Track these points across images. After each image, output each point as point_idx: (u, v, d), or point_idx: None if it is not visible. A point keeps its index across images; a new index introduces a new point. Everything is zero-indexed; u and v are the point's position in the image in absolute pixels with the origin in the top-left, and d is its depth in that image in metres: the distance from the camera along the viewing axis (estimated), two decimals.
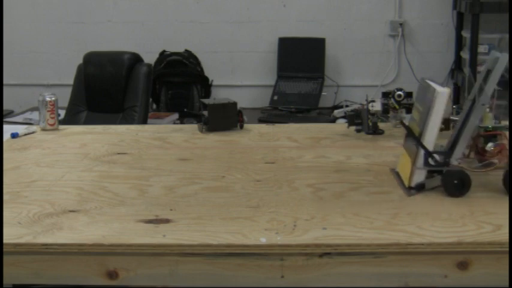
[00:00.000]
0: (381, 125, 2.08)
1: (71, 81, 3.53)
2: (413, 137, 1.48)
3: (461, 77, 3.96)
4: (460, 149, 1.49)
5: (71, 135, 2.17)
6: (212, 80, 4.21)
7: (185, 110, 3.93)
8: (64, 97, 3.30)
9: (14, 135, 2.13)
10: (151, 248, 1.23)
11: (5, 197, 1.51)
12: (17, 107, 4.25)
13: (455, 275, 1.23)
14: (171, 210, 1.40)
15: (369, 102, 2.03)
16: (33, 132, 2.20)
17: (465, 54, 3.97)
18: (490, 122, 1.56)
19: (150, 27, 4.32)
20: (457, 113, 2.09)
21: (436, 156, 1.46)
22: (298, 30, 4.22)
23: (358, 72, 4.28)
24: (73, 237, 1.27)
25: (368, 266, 1.23)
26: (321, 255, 1.23)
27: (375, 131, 2.05)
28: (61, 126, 2.28)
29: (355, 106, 2.08)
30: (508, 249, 1.21)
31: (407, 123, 1.60)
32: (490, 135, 1.52)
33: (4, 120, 3.79)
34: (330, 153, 1.87)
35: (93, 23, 4.35)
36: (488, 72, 1.48)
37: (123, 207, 1.44)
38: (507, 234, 1.24)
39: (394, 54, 4.26)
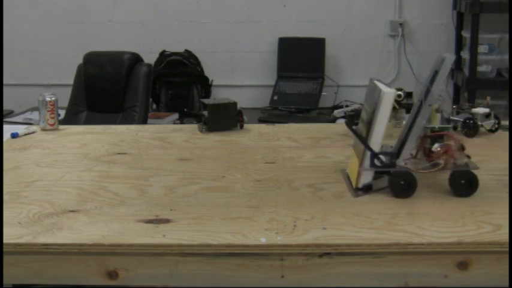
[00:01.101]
0: None
1: (71, 81, 3.53)
2: (359, 138, 1.47)
3: (461, 77, 3.96)
4: (408, 149, 1.48)
5: (71, 135, 2.17)
6: (212, 80, 4.21)
7: (185, 110, 3.93)
8: (64, 97, 3.30)
9: (14, 135, 2.13)
10: (151, 248, 1.23)
11: (5, 197, 1.51)
12: (17, 107, 4.25)
13: (455, 275, 1.23)
14: (171, 210, 1.40)
15: None
16: (33, 132, 2.20)
17: (465, 54, 3.97)
18: (437, 123, 1.55)
19: (150, 27, 4.32)
20: (457, 113, 2.09)
21: (382, 157, 1.45)
22: (298, 30, 4.22)
23: (358, 72, 4.28)
24: (73, 237, 1.27)
25: (368, 266, 1.23)
26: (321, 255, 1.23)
27: None
28: (61, 126, 2.28)
29: (355, 106, 2.08)
30: (508, 249, 1.21)
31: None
32: (437, 135, 1.52)
33: (4, 120, 3.79)
34: (330, 153, 1.87)
35: (93, 23, 4.35)
36: (435, 73, 1.48)
37: (123, 207, 1.44)
38: (507, 234, 1.24)
39: (394, 54, 4.26)
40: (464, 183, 1.46)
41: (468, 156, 1.51)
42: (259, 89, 4.30)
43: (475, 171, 1.47)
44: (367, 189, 1.49)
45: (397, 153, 1.49)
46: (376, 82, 1.54)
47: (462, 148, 1.49)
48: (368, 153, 1.46)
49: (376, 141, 1.46)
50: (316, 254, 1.23)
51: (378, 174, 1.50)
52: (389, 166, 1.46)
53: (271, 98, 4.12)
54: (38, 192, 1.55)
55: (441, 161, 1.47)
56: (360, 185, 1.49)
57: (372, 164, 1.46)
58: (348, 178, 1.58)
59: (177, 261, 1.24)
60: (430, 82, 1.49)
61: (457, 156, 1.48)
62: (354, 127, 1.54)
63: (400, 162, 1.47)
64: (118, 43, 4.15)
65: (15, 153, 1.93)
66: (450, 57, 1.46)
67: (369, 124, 1.48)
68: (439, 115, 1.56)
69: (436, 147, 1.49)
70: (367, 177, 1.49)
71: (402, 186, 1.45)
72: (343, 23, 4.25)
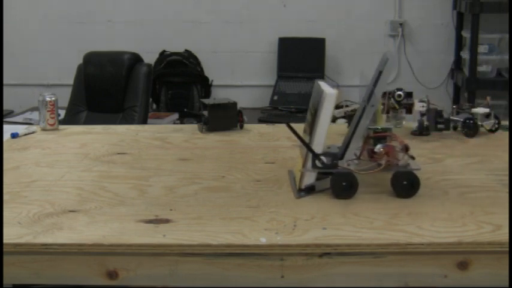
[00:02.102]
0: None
1: (71, 81, 3.53)
2: (300, 140, 1.46)
3: (461, 77, 3.96)
4: (351, 150, 1.48)
5: (71, 135, 2.17)
6: (212, 80, 4.21)
7: (185, 110, 3.93)
8: (64, 97, 3.30)
9: (14, 135, 2.13)
10: (151, 248, 1.23)
11: (5, 197, 1.51)
12: (17, 107, 4.25)
13: (455, 275, 1.23)
14: (171, 210, 1.40)
15: None
16: (33, 132, 2.20)
17: (465, 54, 3.97)
18: (382, 124, 1.55)
19: (150, 27, 4.32)
20: (457, 113, 2.09)
21: (324, 159, 1.45)
22: (298, 30, 4.22)
23: (358, 72, 4.28)
24: (73, 237, 1.27)
25: (368, 266, 1.23)
26: (321, 255, 1.23)
27: None
28: (61, 126, 2.28)
29: (355, 106, 2.08)
30: (508, 249, 1.21)
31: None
32: (380, 136, 1.51)
33: (4, 120, 3.79)
34: None
35: (93, 23, 4.35)
36: (380, 73, 1.48)
37: (123, 207, 1.44)
38: (507, 234, 1.24)
39: (394, 54, 4.26)
40: (405, 184, 1.45)
41: (412, 157, 1.50)
42: (259, 89, 4.30)
43: (416, 172, 1.46)
44: (310, 190, 1.49)
45: (342, 154, 1.48)
46: (320, 83, 1.53)
47: (406, 149, 1.48)
48: (310, 155, 1.46)
49: (319, 142, 1.45)
50: (316, 254, 1.23)
51: (321, 175, 1.49)
52: (331, 167, 1.46)
53: (271, 98, 4.12)
54: (38, 192, 1.55)
55: (382, 162, 1.47)
56: (303, 186, 1.49)
57: (314, 165, 1.46)
58: (294, 179, 1.58)
59: (177, 261, 1.24)
60: (374, 83, 1.48)
61: (398, 157, 1.47)
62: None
63: (344, 163, 1.46)
64: (118, 43, 4.15)
65: (15, 153, 1.93)
66: (393, 58, 1.46)
67: (312, 125, 1.48)
68: (384, 116, 1.56)
69: (378, 148, 1.48)
70: (309, 178, 1.49)
71: (344, 187, 1.45)
72: (343, 23, 4.25)
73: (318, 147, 1.46)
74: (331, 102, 1.44)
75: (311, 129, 1.48)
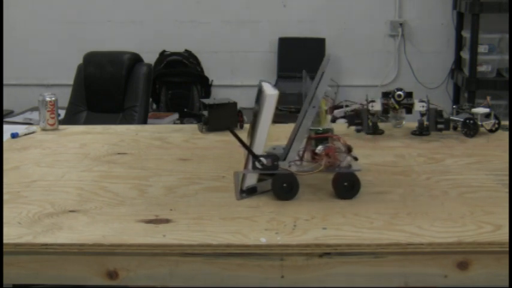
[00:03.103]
0: (381, 125, 2.08)
1: (71, 81, 3.53)
2: (239, 141, 1.45)
3: (461, 77, 3.96)
4: (294, 152, 1.47)
5: (71, 135, 2.17)
6: (212, 80, 4.21)
7: (185, 110, 3.93)
8: (64, 97, 3.30)
9: (14, 135, 2.13)
10: (151, 248, 1.23)
11: (5, 197, 1.51)
12: (17, 107, 4.25)
13: (455, 275, 1.23)
14: (171, 210, 1.40)
15: (369, 102, 2.03)
16: (33, 132, 2.20)
17: (465, 54, 3.97)
18: (327, 125, 1.54)
19: (150, 27, 4.33)
20: (457, 113, 2.09)
21: (264, 160, 1.44)
22: (298, 30, 4.23)
23: (358, 72, 4.29)
24: (73, 237, 1.27)
25: (368, 266, 1.23)
26: (321, 255, 1.23)
27: (375, 131, 2.05)
28: (61, 126, 2.28)
29: (355, 106, 2.08)
30: (508, 249, 1.21)
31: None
32: (321, 137, 1.50)
33: (4, 120, 3.79)
34: None
35: (93, 23, 4.35)
36: (322, 74, 1.47)
37: (123, 207, 1.44)
38: (507, 234, 1.24)
39: (394, 54, 4.26)
40: (346, 185, 1.45)
41: (355, 158, 1.49)
42: None
43: (357, 173, 1.45)
44: (251, 191, 1.48)
45: (284, 155, 1.47)
46: (263, 83, 1.53)
47: (349, 150, 1.48)
48: (250, 156, 1.45)
49: (260, 143, 1.45)
50: (316, 254, 1.23)
51: (264, 177, 1.48)
52: (271, 168, 1.45)
53: None
54: (38, 192, 1.55)
55: (323, 163, 1.46)
56: (244, 187, 1.48)
57: (254, 167, 1.45)
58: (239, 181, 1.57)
59: (177, 261, 1.24)
60: (317, 84, 1.48)
61: (340, 158, 1.47)
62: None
63: (285, 164, 1.46)
64: (118, 43, 4.15)
65: (15, 153, 1.93)
66: (334, 58, 1.45)
67: (253, 127, 1.47)
68: (329, 116, 1.55)
69: (319, 149, 1.47)
70: (251, 180, 1.48)
71: (284, 188, 1.44)
72: (343, 23, 4.25)
73: (258, 148, 1.45)
74: (271, 103, 1.43)
75: (253, 131, 1.47)
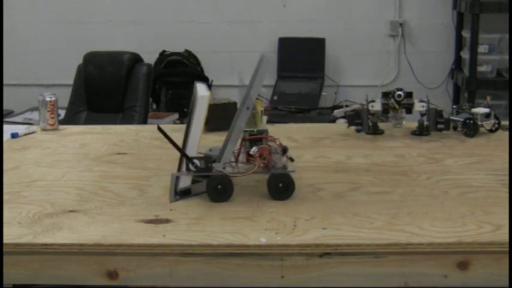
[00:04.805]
0: (381, 125, 2.08)
1: (71, 81, 3.53)
2: (171, 143, 1.44)
3: (461, 77, 3.96)
4: (228, 153, 1.47)
5: (71, 135, 2.17)
6: (212, 80, 4.21)
7: (185, 110, 3.93)
8: (64, 97, 3.30)
9: (14, 135, 2.13)
10: (151, 248, 1.23)
11: (5, 197, 1.51)
12: (17, 107, 4.25)
13: (455, 275, 1.23)
14: (171, 210, 1.40)
15: (369, 102, 2.03)
16: (33, 132, 2.20)
17: (465, 54, 3.97)
18: (262, 126, 1.54)
19: (150, 27, 4.33)
20: (457, 113, 2.09)
21: (197, 162, 1.44)
22: (298, 30, 4.22)
23: (358, 72, 4.28)
24: (73, 237, 1.27)
25: (368, 266, 1.23)
26: (321, 255, 1.23)
27: (375, 131, 2.05)
28: (61, 126, 2.28)
29: (355, 106, 2.08)
30: (508, 249, 1.21)
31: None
32: (255, 139, 1.49)
33: (4, 120, 3.79)
34: (330, 153, 1.87)
35: (93, 23, 4.35)
36: (256, 74, 1.47)
37: (123, 207, 1.44)
38: (507, 234, 1.24)
39: (394, 54, 4.26)
40: (281, 187, 1.45)
41: (291, 159, 1.49)
42: None
43: (291, 174, 1.45)
44: (185, 193, 1.48)
45: (219, 157, 1.47)
46: (197, 84, 1.53)
47: (284, 151, 1.47)
48: (184, 158, 1.45)
49: (193, 145, 1.45)
50: (316, 254, 1.23)
51: (199, 178, 1.48)
52: (204, 170, 1.44)
53: (271, 98, 4.12)
54: (38, 192, 1.55)
55: (255, 164, 1.45)
56: (178, 190, 1.48)
57: (188, 169, 1.44)
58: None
59: (177, 261, 1.24)
60: (251, 84, 1.48)
61: (274, 159, 1.46)
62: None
63: (220, 166, 1.46)
64: (118, 43, 4.15)
65: (15, 153, 1.93)
66: (266, 58, 1.45)
67: (187, 128, 1.47)
68: (265, 117, 1.55)
69: (253, 150, 1.46)
70: (185, 182, 1.48)
71: (219, 190, 1.44)
72: (343, 23, 4.25)
73: (192, 150, 1.45)
74: (203, 104, 1.43)
75: (186, 132, 1.47)
